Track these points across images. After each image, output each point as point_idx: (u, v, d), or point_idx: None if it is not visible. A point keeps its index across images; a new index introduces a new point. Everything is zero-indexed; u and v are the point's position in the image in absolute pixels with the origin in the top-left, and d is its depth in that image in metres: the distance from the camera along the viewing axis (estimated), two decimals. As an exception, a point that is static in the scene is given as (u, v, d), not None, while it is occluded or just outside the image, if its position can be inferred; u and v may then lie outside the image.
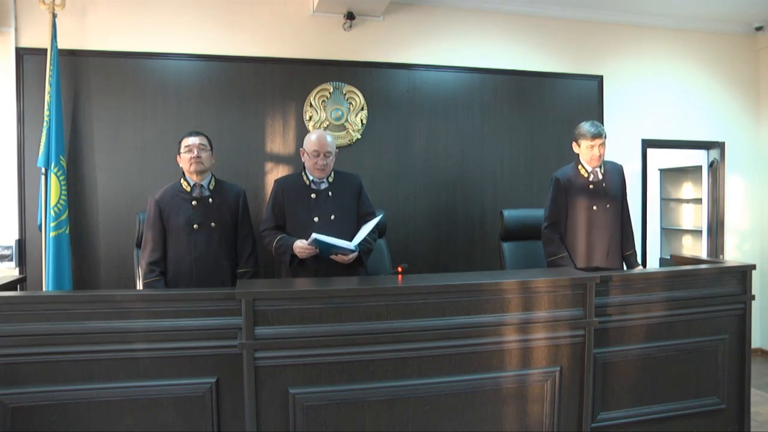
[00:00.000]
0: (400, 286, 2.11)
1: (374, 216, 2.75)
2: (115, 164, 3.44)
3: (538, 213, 3.49)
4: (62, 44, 3.30)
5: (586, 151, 2.88)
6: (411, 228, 3.86)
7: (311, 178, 2.73)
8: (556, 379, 2.22)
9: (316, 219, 2.67)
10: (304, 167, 2.77)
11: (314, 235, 2.44)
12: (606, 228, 2.88)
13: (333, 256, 2.57)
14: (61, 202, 3.15)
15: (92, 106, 3.42)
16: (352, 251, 2.56)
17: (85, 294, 2.10)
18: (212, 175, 2.73)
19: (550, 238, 2.90)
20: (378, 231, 2.90)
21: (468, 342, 2.11)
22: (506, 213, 3.40)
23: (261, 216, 3.60)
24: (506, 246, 3.38)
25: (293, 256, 2.60)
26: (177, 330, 2.03)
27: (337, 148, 2.83)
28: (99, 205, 3.42)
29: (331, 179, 2.76)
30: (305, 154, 2.72)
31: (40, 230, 3.15)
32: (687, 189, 5.97)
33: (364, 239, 2.61)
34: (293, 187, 2.74)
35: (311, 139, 2.70)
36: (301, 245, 2.55)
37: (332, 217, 2.69)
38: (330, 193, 2.73)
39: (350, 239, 2.58)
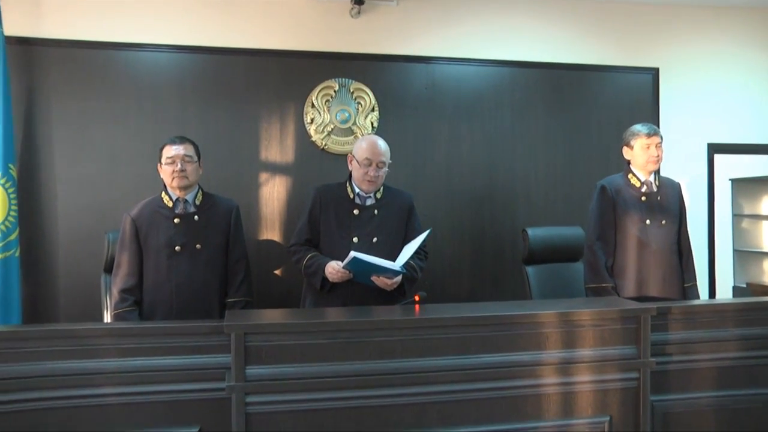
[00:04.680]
0: (418, 318, 2.14)
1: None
2: (79, 174, 3.51)
3: (570, 231, 3.59)
4: (10, 30, 3.36)
5: (641, 153, 2.94)
6: (430, 249, 3.86)
7: (357, 190, 2.80)
8: (605, 431, 2.22)
9: (355, 240, 2.73)
10: (350, 176, 2.84)
11: (353, 254, 2.48)
12: (661, 249, 2.91)
13: (374, 278, 2.62)
14: (10, 219, 3.20)
15: (51, 106, 3.49)
16: (397, 273, 2.61)
17: (40, 329, 2.11)
18: (199, 188, 2.79)
19: (595, 262, 2.92)
20: (425, 254, 2.95)
21: (498, 385, 2.13)
22: (530, 232, 3.49)
23: (254, 236, 3.70)
24: (531, 270, 3.46)
25: (325, 279, 2.66)
26: (153, 370, 2.06)
27: (391, 159, 2.86)
28: (59, 223, 3.49)
29: (379, 195, 2.83)
30: (353, 161, 2.79)
31: (-18, 252, 3.18)
32: (766, 203, 5.96)
33: (410, 264, 2.67)
34: (334, 198, 2.80)
35: (363, 146, 2.77)
36: (334, 267, 2.61)
37: (374, 239, 2.75)
38: (376, 211, 2.79)
39: None
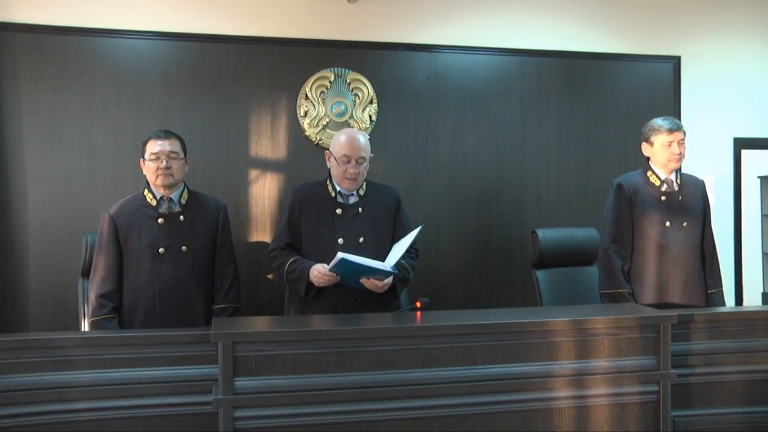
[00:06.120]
0: (419, 326, 2.15)
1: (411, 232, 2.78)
2: (53, 171, 3.51)
3: (583, 233, 3.62)
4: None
5: (662, 150, 2.95)
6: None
7: (338, 188, 2.83)
8: (621, 449, 2.24)
9: (340, 241, 2.76)
10: (330, 174, 2.86)
11: (340, 255, 2.50)
12: (683, 253, 2.93)
13: (363, 281, 2.64)
14: (-28, 220, 3.20)
15: (20, 97, 3.48)
16: (388, 274, 2.63)
17: (8, 339, 2.11)
18: (185, 186, 2.80)
19: (611, 266, 2.94)
20: (416, 252, 2.99)
21: (506, 398, 2.15)
22: (541, 233, 3.53)
23: (243, 238, 3.70)
24: (541, 275, 3.50)
25: (310, 284, 2.67)
26: (134, 383, 2.07)
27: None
28: (30, 224, 3.48)
29: (362, 192, 2.86)
30: (332, 159, 2.81)
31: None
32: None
33: (401, 263, 2.69)
34: (314, 198, 2.83)
35: (340, 141, 2.80)
36: (320, 270, 2.63)
37: (361, 239, 2.78)
38: (360, 210, 2.82)
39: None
